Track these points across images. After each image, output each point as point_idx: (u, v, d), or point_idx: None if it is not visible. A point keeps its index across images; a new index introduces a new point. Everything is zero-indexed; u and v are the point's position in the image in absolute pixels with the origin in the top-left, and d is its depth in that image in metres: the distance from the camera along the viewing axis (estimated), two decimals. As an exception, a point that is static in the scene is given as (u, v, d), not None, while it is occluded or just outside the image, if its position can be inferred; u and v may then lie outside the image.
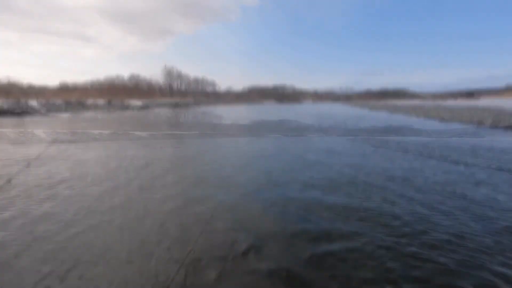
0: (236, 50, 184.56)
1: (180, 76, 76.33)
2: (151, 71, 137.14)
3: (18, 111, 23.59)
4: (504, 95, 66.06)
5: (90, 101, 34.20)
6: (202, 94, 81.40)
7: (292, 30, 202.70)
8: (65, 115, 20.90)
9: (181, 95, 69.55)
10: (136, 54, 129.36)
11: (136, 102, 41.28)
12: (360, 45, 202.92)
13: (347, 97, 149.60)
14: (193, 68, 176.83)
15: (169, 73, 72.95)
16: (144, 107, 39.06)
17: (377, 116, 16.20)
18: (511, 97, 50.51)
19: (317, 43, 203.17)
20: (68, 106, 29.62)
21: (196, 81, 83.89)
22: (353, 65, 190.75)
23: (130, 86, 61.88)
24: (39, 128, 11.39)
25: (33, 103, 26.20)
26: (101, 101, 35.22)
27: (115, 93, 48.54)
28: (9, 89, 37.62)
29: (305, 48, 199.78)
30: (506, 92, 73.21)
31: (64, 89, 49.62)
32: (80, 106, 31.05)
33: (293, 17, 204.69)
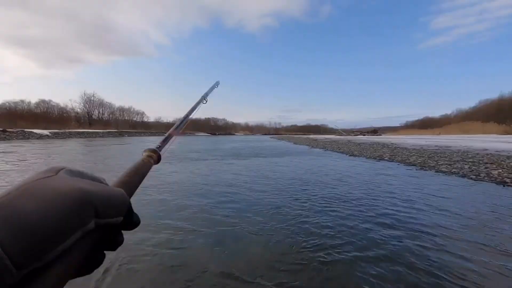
0: (164, 83, 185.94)
1: (102, 104, 72.14)
2: (62, 98, 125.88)
3: None
4: (399, 132, 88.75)
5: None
6: (129, 124, 78.12)
7: (219, 65, 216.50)
8: None
9: (103, 125, 65.30)
10: (37, 79, 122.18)
11: (43, 131, 37.82)
12: (287, 84, 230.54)
13: (275, 130, 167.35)
14: (118, 99, 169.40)
15: (89, 100, 68.30)
16: (52, 137, 35.63)
17: (297, 151, 16.97)
18: (404, 134, 68.07)
19: (246, 82, 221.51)
20: None
21: (122, 110, 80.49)
22: (281, 101, 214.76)
23: (38, 113, 55.27)
24: None
25: None
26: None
27: (16, 120, 43.07)
28: None
29: (237, 85, 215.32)
30: (401, 130, 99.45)
31: None
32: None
33: (215, 53, 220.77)
